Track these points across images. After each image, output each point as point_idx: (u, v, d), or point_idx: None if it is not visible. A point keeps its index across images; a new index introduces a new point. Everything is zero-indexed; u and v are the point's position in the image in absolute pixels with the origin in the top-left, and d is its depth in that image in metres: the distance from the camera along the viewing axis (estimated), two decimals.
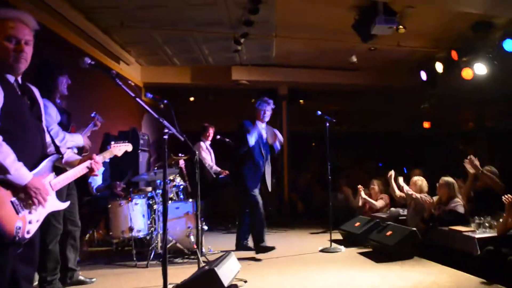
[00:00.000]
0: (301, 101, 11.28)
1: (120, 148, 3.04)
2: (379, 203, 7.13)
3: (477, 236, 4.58)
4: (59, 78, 3.92)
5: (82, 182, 5.50)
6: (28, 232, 2.16)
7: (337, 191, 8.47)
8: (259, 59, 9.02)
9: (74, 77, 4.18)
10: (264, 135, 5.74)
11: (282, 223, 8.53)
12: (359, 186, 7.40)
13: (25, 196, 2.15)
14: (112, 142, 3.06)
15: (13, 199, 2.10)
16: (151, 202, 5.47)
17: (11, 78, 2.25)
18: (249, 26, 6.52)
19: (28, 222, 2.16)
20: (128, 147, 3.11)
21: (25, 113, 2.27)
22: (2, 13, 2.21)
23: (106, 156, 2.87)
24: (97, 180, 5.61)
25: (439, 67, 8.05)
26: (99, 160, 2.62)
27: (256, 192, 5.55)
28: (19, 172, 2.10)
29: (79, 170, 2.51)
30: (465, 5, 5.83)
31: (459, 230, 4.87)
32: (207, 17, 6.57)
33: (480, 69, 7.40)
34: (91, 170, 2.57)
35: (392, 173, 6.47)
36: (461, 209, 5.38)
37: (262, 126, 5.73)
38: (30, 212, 2.18)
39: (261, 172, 5.65)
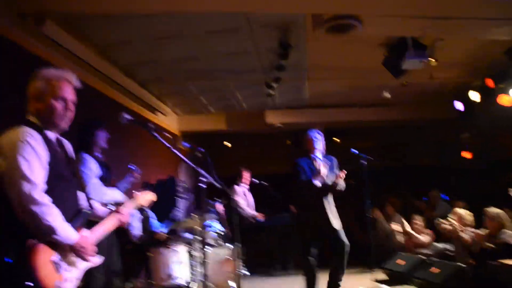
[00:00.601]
0: (337, 139, 11.23)
1: (144, 198, 3.00)
2: (425, 238, 6.84)
3: None
4: (97, 133, 4.07)
5: (121, 230, 5.60)
6: None
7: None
8: (292, 102, 9.12)
9: (113, 130, 4.36)
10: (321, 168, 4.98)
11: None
12: (402, 220, 7.15)
13: (69, 255, 2.20)
14: (135, 192, 3.05)
15: (55, 258, 2.14)
16: (190, 249, 5.48)
17: (51, 135, 2.34)
18: (281, 71, 6.65)
19: (65, 280, 2.19)
20: (152, 196, 3.07)
21: (64, 169, 2.35)
22: (51, 74, 2.32)
23: (131, 206, 2.85)
24: (136, 228, 5.70)
25: (475, 96, 7.90)
26: (125, 212, 2.66)
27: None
28: (66, 233, 2.16)
29: (109, 224, 2.54)
30: (495, 33, 5.77)
31: (511, 264, 4.64)
32: (239, 65, 6.76)
33: None
34: (121, 222, 2.61)
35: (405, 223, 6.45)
36: None
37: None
38: (69, 270, 2.22)
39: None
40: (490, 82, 7.41)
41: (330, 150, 10.59)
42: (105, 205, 2.77)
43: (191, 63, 6.55)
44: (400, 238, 7.21)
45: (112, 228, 2.57)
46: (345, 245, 4.91)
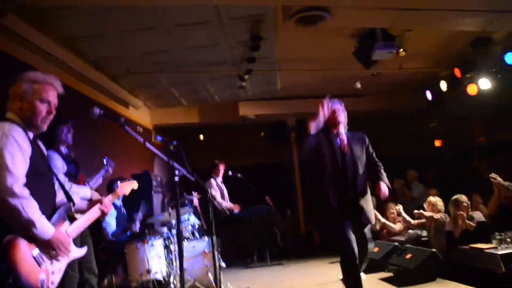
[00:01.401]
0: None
1: (127, 187, 3.13)
2: (398, 226, 7.02)
3: (500, 252, 4.51)
4: (61, 129, 4.00)
5: (96, 228, 5.54)
6: (52, 283, 2.20)
7: None
8: (265, 93, 9.14)
9: (85, 126, 4.29)
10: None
11: (300, 254, 8.46)
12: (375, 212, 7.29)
13: (49, 249, 2.21)
14: (119, 182, 3.14)
15: (36, 253, 2.15)
16: (167, 243, 5.48)
17: (30, 135, 2.36)
18: (252, 63, 6.65)
19: (51, 273, 2.21)
20: (134, 184, 3.21)
21: (42, 166, 2.39)
22: (38, 77, 2.39)
23: (114, 197, 2.95)
24: (111, 226, 5.65)
25: (443, 85, 8.09)
26: (108, 202, 2.71)
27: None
28: (43, 226, 2.17)
29: (91, 215, 2.58)
30: (462, 24, 5.92)
31: (481, 248, 4.79)
32: (210, 57, 6.72)
33: (484, 84, 7.44)
34: (103, 213, 2.64)
35: (400, 207, 6.53)
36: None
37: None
38: (51, 263, 2.24)
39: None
40: (457, 72, 7.60)
41: (303, 140, 10.80)
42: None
43: (162, 56, 6.49)
44: (375, 226, 7.36)
45: (93, 219, 2.60)
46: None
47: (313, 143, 3.99)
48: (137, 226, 5.65)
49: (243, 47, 6.36)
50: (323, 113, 3.95)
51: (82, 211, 2.62)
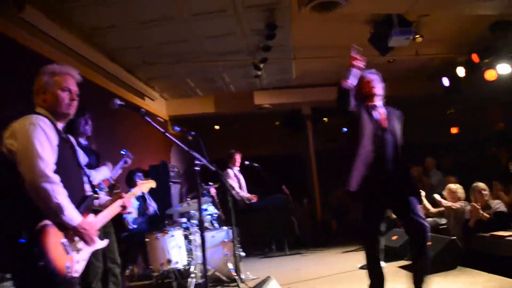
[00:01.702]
0: (325, 119, 11.29)
1: (146, 186, 3.23)
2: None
3: None
4: (80, 120, 4.04)
5: (117, 219, 5.61)
6: (76, 272, 2.25)
7: None
8: (280, 82, 9.12)
9: (102, 117, 4.33)
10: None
11: (317, 243, 8.48)
12: None
13: (74, 237, 2.26)
14: (138, 180, 3.21)
15: (63, 240, 2.21)
16: (187, 233, 5.53)
17: (59, 126, 2.44)
18: (267, 51, 6.63)
19: (76, 262, 2.26)
20: (152, 184, 3.30)
21: (70, 156, 2.45)
22: (56, 69, 2.47)
23: (134, 194, 3.05)
24: (132, 215, 5.73)
25: (460, 71, 7.97)
26: (129, 198, 2.76)
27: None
28: (71, 213, 2.22)
29: (113, 209, 2.63)
30: (480, 8, 5.81)
31: (502, 235, 4.75)
32: (226, 46, 6.72)
33: (503, 68, 7.31)
34: (123, 208, 2.69)
35: (422, 193, 6.44)
36: (503, 209, 5.30)
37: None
38: (77, 252, 2.29)
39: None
40: (475, 57, 7.48)
41: (318, 128, 10.77)
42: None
43: (177, 46, 6.51)
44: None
45: (116, 213, 2.66)
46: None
47: (353, 103, 3.54)
48: (156, 218, 5.72)
49: (258, 36, 6.34)
50: (359, 62, 3.56)
51: (104, 206, 2.66)
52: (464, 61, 7.91)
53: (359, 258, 6.06)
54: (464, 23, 6.63)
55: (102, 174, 4.11)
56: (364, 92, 3.72)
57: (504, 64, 7.27)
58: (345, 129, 5.88)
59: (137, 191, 3.09)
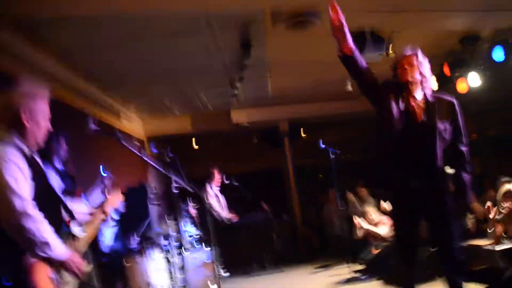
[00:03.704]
0: (303, 135, 11.36)
1: (115, 198, 3.10)
2: (381, 230, 6.53)
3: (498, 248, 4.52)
4: (55, 144, 3.93)
5: (93, 243, 5.47)
6: None
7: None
8: (257, 100, 9.14)
9: (77, 140, 4.24)
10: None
11: (299, 259, 8.46)
12: (356, 219, 6.83)
13: (62, 269, 2.19)
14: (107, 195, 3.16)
15: (52, 274, 2.14)
16: (167, 255, 5.43)
17: (27, 151, 2.27)
18: (243, 70, 6.66)
19: None
20: (121, 197, 3.20)
21: (44, 184, 2.34)
22: (25, 90, 2.26)
23: (109, 205, 2.93)
24: (107, 238, 5.59)
25: (433, 84, 8.13)
26: (108, 210, 2.75)
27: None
28: (59, 249, 2.14)
29: (96, 223, 2.57)
30: (450, 24, 5.98)
31: (479, 245, 4.82)
32: (202, 66, 6.72)
33: (473, 81, 7.49)
34: (105, 214, 2.64)
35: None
36: None
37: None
38: (66, 284, 2.23)
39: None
40: (446, 70, 7.65)
41: (296, 145, 10.82)
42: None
43: (153, 65, 6.47)
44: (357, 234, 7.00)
45: (96, 231, 2.60)
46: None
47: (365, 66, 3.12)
48: (135, 241, 5.60)
49: (234, 54, 6.36)
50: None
51: (87, 224, 2.60)
52: (436, 73, 8.08)
53: (342, 273, 6.08)
54: (434, 37, 6.77)
55: (79, 208, 4.00)
56: (396, 79, 3.17)
57: (474, 76, 7.46)
58: (323, 145, 5.90)
59: (110, 203, 2.96)
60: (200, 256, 5.38)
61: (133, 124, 8.83)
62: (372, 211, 6.90)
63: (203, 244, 6.21)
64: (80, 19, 4.86)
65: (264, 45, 6.26)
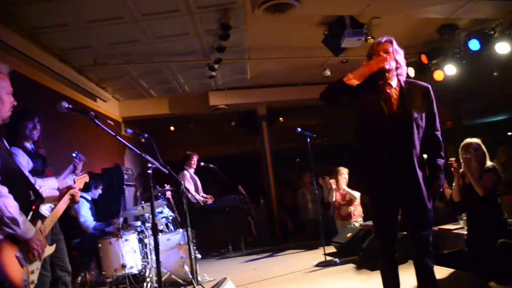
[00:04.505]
0: (280, 119, 11.38)
1: (81, 181, 3.28)
2: (356, 192, 6.85)
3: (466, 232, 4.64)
4: (24, 123, 3.84)
5: (73, 224, 5.44)
6: (32, 282, 2.17)
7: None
8: (235, 82, 9.09)
9: (51, 120, 4.17)
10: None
11: (274, 243, 8.54)
12: (330, 181, 7.22)
13: (28, 248, 2.17)
14: (74, 176, 3.35)
15: (18, 253, 2.11)
16: (141, 237, 5.43)
17: None
18: (221, 52, 6.60)
19: (31, 273, 2.19)
20: (86, 177, 3.38)
21: (10, 163, 2.31)
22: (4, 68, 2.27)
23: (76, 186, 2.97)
24: (89, 219, 5.57)
25: (410, 71, 8.22)
26: (77, 188, 2.71)
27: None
28: (25, 226, 2.12)
29: (63, 203, 2.55)
30: (428, 12, 6.02)
31: (449, 228, 4.93)
32: (179, 47, 6.63)
33: (450, 70, 7.62)
34: (73, 199, 2.62)
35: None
36: None
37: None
38: (30, 263, 2.20)
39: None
40: (424, 58, 7.74)
41: (274, 128, 10.85)
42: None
43: (130, 46, 6.35)
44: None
45: (62, 210, 2.57)
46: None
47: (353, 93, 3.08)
48: (120, 220, 5.60)
49: (213, 37, 6.29)
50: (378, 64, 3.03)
51: (54, 200, 2.57)
52: (413, 62, 8.17)
53: (315, 256, 6.17)
54: (413, 25, 6.83)
55: (49, 184, 3.93)
56: (372, 65, 3.09)
57: (450, 65, 7.57)
58: (299, 129, 5.91)
59: (74, 187, 2.95)
60: (174, 238, 5.38)
61: (109, 105, 8.69)
62: (343, 172, 7.08)
63: (178, 226, 6.22)
64: None
65: (243, 28, 6.21)
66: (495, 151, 7.15)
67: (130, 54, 6.69)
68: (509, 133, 11.39)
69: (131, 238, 5.10)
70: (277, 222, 9.98)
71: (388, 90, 3.10)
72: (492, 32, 6.76)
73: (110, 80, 7.89)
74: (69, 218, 5.36)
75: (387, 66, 3.06)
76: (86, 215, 5.54)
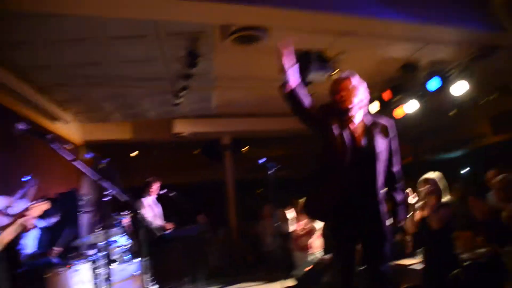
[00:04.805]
0: (245, 149, 11.36)
1: (38, 208, 3.10)
2: (318, 224, 6.79)
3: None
4: None
5: (11, 253, 5.13)
6: None
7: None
8: (200, 111, 9.05)
9: (6, 140, 4.00)
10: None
11: (233, 274, 8.38)
12: (289, 210, 7.18)
13: None
14: (29, 202, 3.07)
15: None
16: (94, 267, 5.16)
17: None
18: (188, 79, 6.57)
19: None
20: (45, 205, 3.17)
21: None
22: None
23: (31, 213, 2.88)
24: (28, 247, 5.26)
25: (374, 107, 8.41)
26: (30, 216, 2.57)
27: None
28: None
29: (10, 233, 2.42)
30: (391, 51, 6.23)
31: (405, 264, 4.96)
32: (145, 72, 6.57)
33: (411, 107, 7.84)
34: (24, 228, 2.49)
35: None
36: None
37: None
38: None
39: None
40: (387, 95, 7.94)
41: (238, 158, 10.81)
42: None
43: (94, 68, 6.24)
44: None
45: (11, 235, 2.43)
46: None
47: (308, 102, 3.06)
48: (54, 254, 5.30)
49: (180, 64, 6.26)
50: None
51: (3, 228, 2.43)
52: (377, 97, 8.36)
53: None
54: (378, 62, 7.01)
55: None
56: (335, 104, 3.14)
57: (411, 103, 7.80)
58: (261, 160, 5.86)
59: (26, 214, 2.83)
60: (128, 268, 5.16)
61: (70, 127, 8.45)
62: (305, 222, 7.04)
63: (133, 255, 5.99)
64: (15, 15, 4.59)
65: (211, 57, 6.22)
66: (451, 187, 7.34)
67: (95, 76, 6.56)
68: (462, 171, 11.78)
69: (83, 268, 4.84)
70: (237, 253, 9.81)
71: (352, 126, 3.13)
72: (450, 73, 7.04)
73: (73, 102, 7.70)
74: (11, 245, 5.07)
75: (348, 105, 3.10)
76: (26, 243, 5.21)
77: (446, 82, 7.07)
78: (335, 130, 3.09)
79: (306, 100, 3.10)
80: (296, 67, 3.19)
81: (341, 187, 3.01)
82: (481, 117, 9.98)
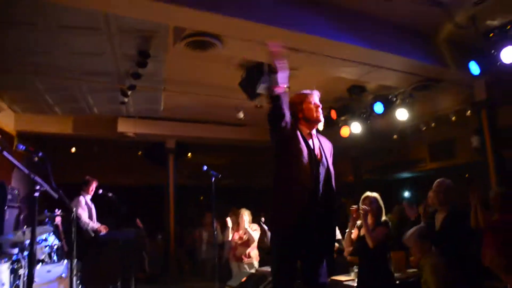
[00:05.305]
0: (189, 154, 11.24)
1: None
2: (256, 234, 6.79)
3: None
4: None
5: None
6: None
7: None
8: (147, 112, 8.86)
9: None
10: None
11: (168, 281, 8.21)
12: (227, 219, 7.01)
13: None
14: None
15: None
16: (15, 267, 4.85)
17: None
18: (137, 79, 6.41)
19: None
20: None
21: None
22: None
23: None
24: None
25: (320, 125, 8.56)
26: None
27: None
28: None
29: None
30: (341, 71, 6.38)
31: (340, 280, 5.03)
32: (94, 67, 6.33)
33: (355, 127, 8.08)
34: None
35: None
36: None
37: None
38: None
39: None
40: (333, 114, 8.13)
41: (181, 163, 10.66)
42: None
43: (38, 56, 5.92)
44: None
45: None
46: None
47: (288, 115, 3.02)
48: None
49: (130, 62, 6.10)
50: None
51: None
52: (324, 115, 8.52)
53: None
54: (327, 81, 7.17)
55: None
56: (309, 115, 3.20)
57: (356, 123, 8.03)
58: (205, 167, 5.79)
59: None
60: (55, 269, 4.91)
61: (2, 115, 7.96)
62: (247, 214, 6.93)
63: (63, 256, 5.72)
64: None
65: (163, 58, 6.11)
66: (391, 208, 7.60)
67: (39, 65, 6.22)
68: (405, 194, 12.23)
69: (2, 268, 4.52)
70: (172, 260, 9.63)
71: (311, 140, 3.18)
72: (394, 99, 7.32)
73: (10, 89, 7.29)
74: None
75: (320, 117, 3.23)
76: None
77: (390, 107, 7.34)
78: (301, 141, 3.10)
79: (287, 109, 3.07)
80: (287, 72, 3.14)
81: (305, 202, 2.94)
82: (421, 143, 10.46)
